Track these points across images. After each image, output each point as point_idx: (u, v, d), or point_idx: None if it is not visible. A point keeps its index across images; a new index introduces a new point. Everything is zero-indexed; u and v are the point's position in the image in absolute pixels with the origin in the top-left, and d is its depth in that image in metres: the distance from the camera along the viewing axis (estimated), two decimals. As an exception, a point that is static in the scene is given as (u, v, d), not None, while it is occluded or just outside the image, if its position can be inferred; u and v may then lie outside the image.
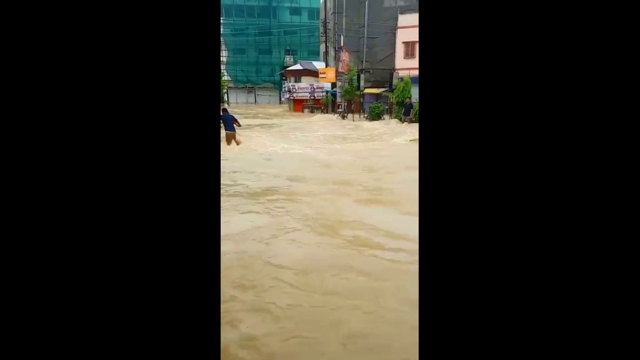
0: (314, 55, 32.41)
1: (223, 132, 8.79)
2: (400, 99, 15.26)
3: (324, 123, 16.15)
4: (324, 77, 21.19)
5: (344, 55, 19.61)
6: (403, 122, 14.07)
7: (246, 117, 17.81)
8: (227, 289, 2.49)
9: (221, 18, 33.30)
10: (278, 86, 34.35)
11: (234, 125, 8.88)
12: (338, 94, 19.86)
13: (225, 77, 28.78)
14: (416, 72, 17.29)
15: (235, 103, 31.42)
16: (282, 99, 31.06)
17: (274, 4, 34.89)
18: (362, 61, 20.28)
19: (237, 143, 9.01)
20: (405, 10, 19.22)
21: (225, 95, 28.58)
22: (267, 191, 5.15)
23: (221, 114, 8.65)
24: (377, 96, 18.98)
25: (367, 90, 19.47)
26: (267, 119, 19.18)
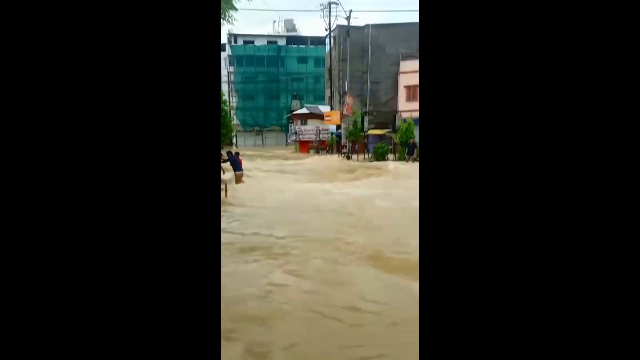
0: (320, 99, 33.55)
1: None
2: (403, 139, 15.59)
3: (355, 170, 13.86)
4: (330, 120, 21.82)
5: (349, 99, 20.35)
6: (407, 162, 14.28)
7: (257, 159, 17.53)
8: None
9: (232, 67, 35.31)
10: (285, 129, 35.34)
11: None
12: (343, 135, 20.33)
13: (234, 122, 29.81)
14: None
15: (243, 145, 32.29)
16: (289, 140, 31.83)
17: (282, 54, 36.95)
18: (366, 104, 20.99)
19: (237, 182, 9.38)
20: (406, 56, 20.22)
21: (234, 138, 29.54)
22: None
23: (232, 155, 9.56)
24: (381, 137, 19.38)
25: (370, 132, 19.91)
26: (276, 159, 19.23)
